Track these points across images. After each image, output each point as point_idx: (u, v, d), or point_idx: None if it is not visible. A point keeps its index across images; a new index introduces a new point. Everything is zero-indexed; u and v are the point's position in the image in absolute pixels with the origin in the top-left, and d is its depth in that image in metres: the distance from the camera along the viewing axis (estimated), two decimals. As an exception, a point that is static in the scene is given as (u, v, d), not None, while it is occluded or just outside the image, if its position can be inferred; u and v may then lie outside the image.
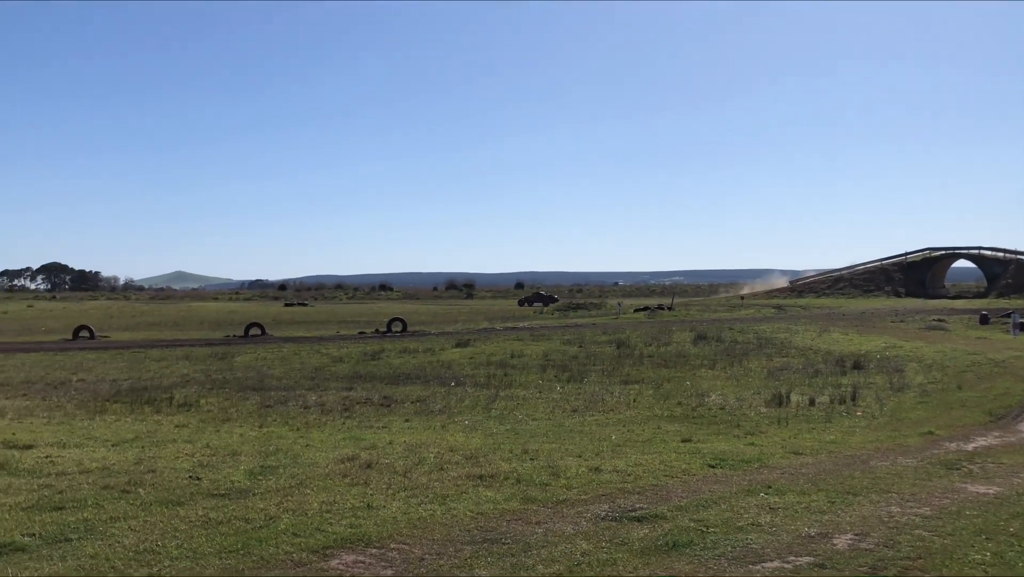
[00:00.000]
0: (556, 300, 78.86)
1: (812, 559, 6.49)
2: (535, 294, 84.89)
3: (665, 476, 9.75)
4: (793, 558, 6.52)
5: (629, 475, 9.74)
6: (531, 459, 10.71)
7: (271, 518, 7.84)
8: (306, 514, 7.98)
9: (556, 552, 6.75)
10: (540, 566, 6.40)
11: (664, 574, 6.21)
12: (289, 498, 8.62)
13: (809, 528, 7.37)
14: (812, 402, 16.35)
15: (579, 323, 44.49)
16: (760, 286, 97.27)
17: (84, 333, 38.23)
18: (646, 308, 58.45)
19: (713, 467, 10.36)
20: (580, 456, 10.99)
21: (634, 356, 25.27)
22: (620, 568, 6.36)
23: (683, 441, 12.46)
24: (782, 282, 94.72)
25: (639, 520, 7.69)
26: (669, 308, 58.36)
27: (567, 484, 9.24)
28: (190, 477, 9.66)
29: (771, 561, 6.46)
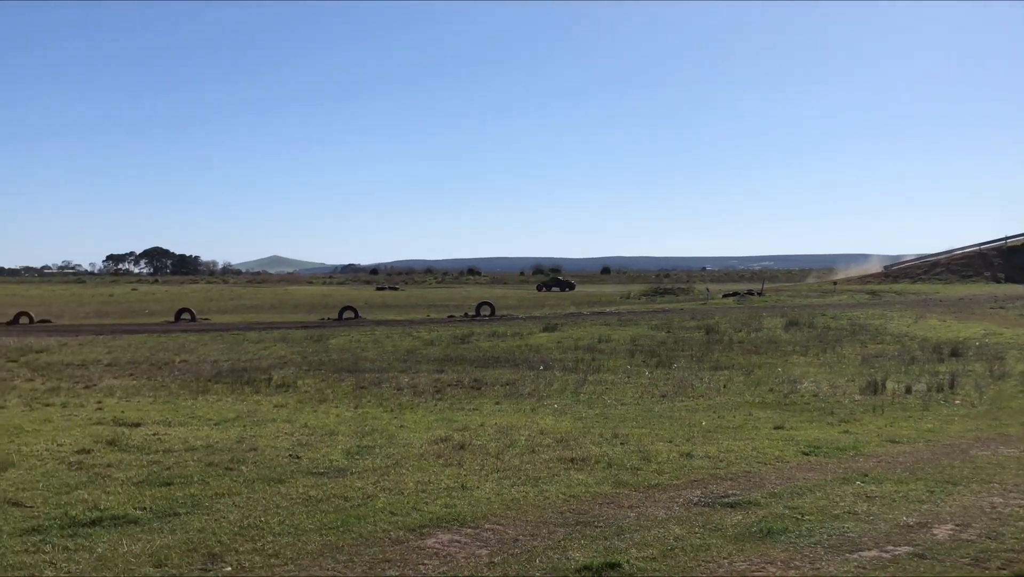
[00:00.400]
0: (574, 286, 79.78)
1: (912, 549, 6.39)
2: (553, 279, 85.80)
3: (758, 463, 9.68)
4: (892, 548, 6.44)
5: (721, 461, 9.70)
6: (621, 443, 10.75)
7: (368, 497, 8.06)
8: (402, 493, 8.17)
9: (649, 536, 6.79)
10: (633, 550, 6.45)
11: (759, 560, 6.20)
12: (385, 477, 8.84)
13: (908, 517, 7.25)
14: (908, 390, 15.97)
15: (666, 308, 44.18)
16: (853, 271, 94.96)
17: (185, 316, 39.57)
18: (735, 293, 57.70)
19: (807, 454, 10.23)
20: (671, 441, 10.98)
21: (723, 342, 25.01)
22: (714, 553, 6.37)
23: (775, 428, 12.32)
24: (876, 267, 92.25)
25: (732, 506, 7.67)
26: (759, 293, 57.49)
27: (658, 469, 9.26)
28: (290, 456, 9.97)
29: (869, 550, 6.39)
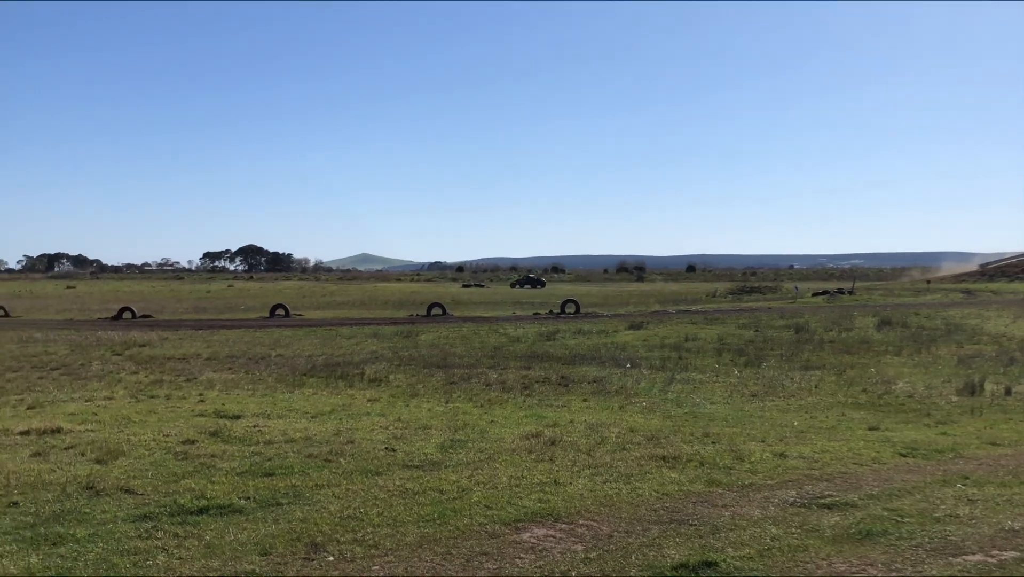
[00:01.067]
0: (544, 284, 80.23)
1: (1018, 554, 6.26)
2: (525, 277, 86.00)
3: (854, 464, 9.55)
4: (997, 552, 6.31)
5: (816, 462, 9.60)
6: (713, 442, 10.71)
7: (463, 490, 8.20)
8: (496, 488, 8.29)
9: (745, 535, 6.77)
10: (730, 549, 6.45)
11: (859, 562, 6.14)
12: (479, 471, 8.98)
13: (1013, 522, 7.09)
14: (1008, 392, 15.51)
15: (754, 307, 43.59)
16: (946, 270, 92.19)
17: (280, 312, 40.53)
18: (825, 292, 56.60)
19: (904, 456, 10.05)
20: (763, 441, 10.89)
21: (814, 341, 24.60)
22: (812, 554, 6.33)
23: (870, 429, 12.12)
24: (971, 266, 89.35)
25: (829, 507, 7.60)
26: (849, 292, 56.32)
27: (752, 468, 9.21)
28: (386, 449, 10.19)
29: (972, 554, 6.28)
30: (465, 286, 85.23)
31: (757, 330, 28.00)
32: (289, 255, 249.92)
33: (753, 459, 9.65)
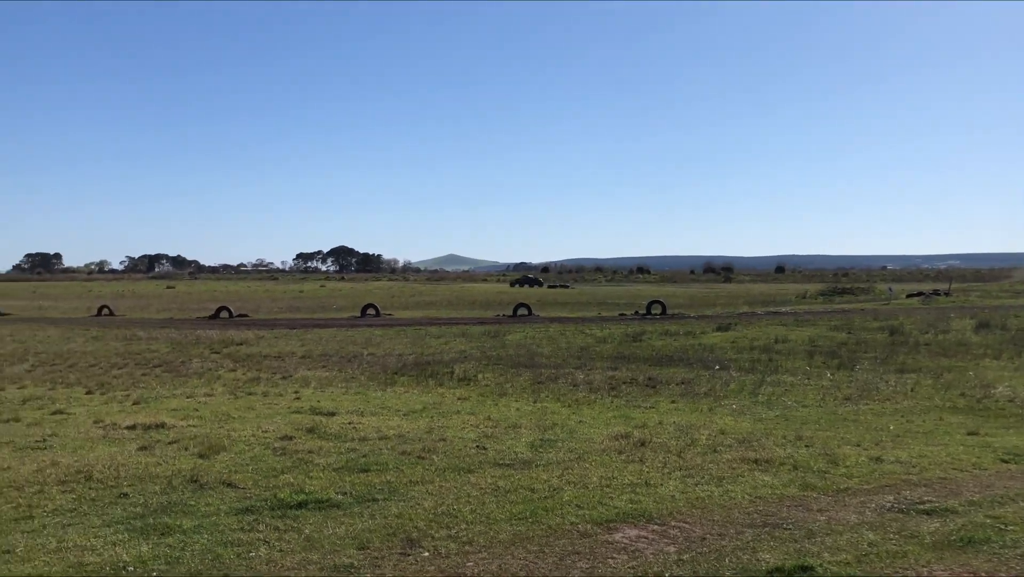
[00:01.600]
0: (542, 283, 78.96)
1: None
2: (523, 277, 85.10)
3: (953, 469, 9.32)
4: (1108, 564, 6.11)
5: (913, 467, 9.39)
6: (806, 446, 10.55)
7: (555, 489, 8.26)
8: (587, 487, 8.33)
9: (841, 541, 6.69)
10: (826, 554, 6.37)
11: (960, 570, 6.02)
12: (569, 471, 9.04)
13: None
14: (1123, 398, 14.90)
15: (846, 308, 42.65)
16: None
17: (370, 311, 41.28)
18: (920, 293, 55.08)
19: (1006, 462, 9.76)
20: (858, 445, 10.69)
21: (909, 344, 23.98)
22: (911, 561, 6.22)
23: (969, 434, 11.79)
24: None
25: (928, 513, 7.45)
26: (946, 293, 54.69)
27: (847, 473, 9.06)
28: (477, 447, 10.33)
29: (1081, 565, 6.09)
30: (551, 287, 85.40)
31: (850, 332, 27.42)
32: (379, 256, 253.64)
33: (848, 463, 9.49)
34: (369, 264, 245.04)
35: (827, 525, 7.13)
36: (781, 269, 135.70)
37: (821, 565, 6.10)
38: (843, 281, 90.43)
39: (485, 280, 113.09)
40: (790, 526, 7.11)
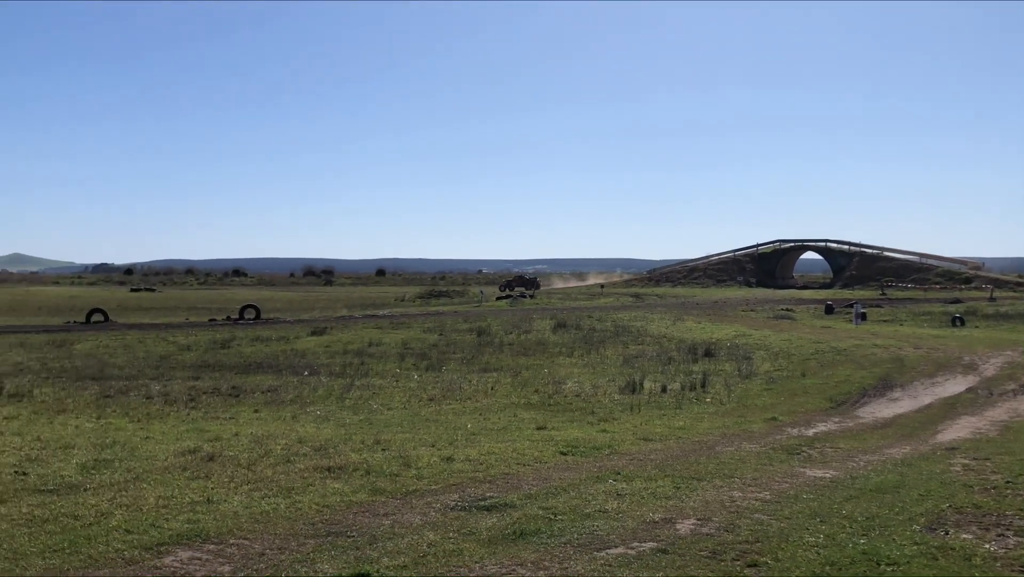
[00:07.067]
0: (539, 285, 76.14)
1: (655, 544, 6.55)
2: (518, 278, 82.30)
3: (517, 464, 9.74)
4: (637, 544, 6.58)
5: (481, 464, 9.68)
6: (383, 449, 10.53)
7: (103, 514, 7.44)
8: (141, 510, 7.60)
9: (402, 544, 6.61)
10: (385, 558, 6.25)
11: (510, 562, 6.16)
12: (123, 493, 8.20)
13: (654, 514, 7.46)
14: (664, 389, 16.69)
15: (441, 311, 44.26)
16: (618, 276, 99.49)
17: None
18: (508, 296, 58.80)
19: (565, 454, 10.41)
20: (433, 445, 10.87)
21: (494, 344, 25.25)
22: (466, 558, 6.28)
23: (538, 429, 12.51)
24: (617, 275, 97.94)
25: (488, 509, 7.63)
26: (531, 296, 58.89)
27: (418, 474, 9.11)
28: (16, 472, 9.07)
29: (615, 548, 6.50)
30: (134, 290, 79.56)
31: (441, 334, 28.35)
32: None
33: (420, 464, 9.57)
34: None
35: (391, 529, 7.04)
36: (382, 272, 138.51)
37: (379, 571, 5.97)
38: (440, 284, 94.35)
39: (56, 282, 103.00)
40: (354, 533, 6.93)
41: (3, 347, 24.27)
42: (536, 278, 79.10)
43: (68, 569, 6.09)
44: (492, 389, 16.88)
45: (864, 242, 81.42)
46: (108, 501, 7.89)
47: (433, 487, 8.58)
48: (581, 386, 17.20)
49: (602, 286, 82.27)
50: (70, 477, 8.90)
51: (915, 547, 6.46)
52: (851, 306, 37.43)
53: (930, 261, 75.71)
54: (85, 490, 8.35)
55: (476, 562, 6.20)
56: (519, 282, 74.18)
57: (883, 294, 56.39)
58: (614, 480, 8.82)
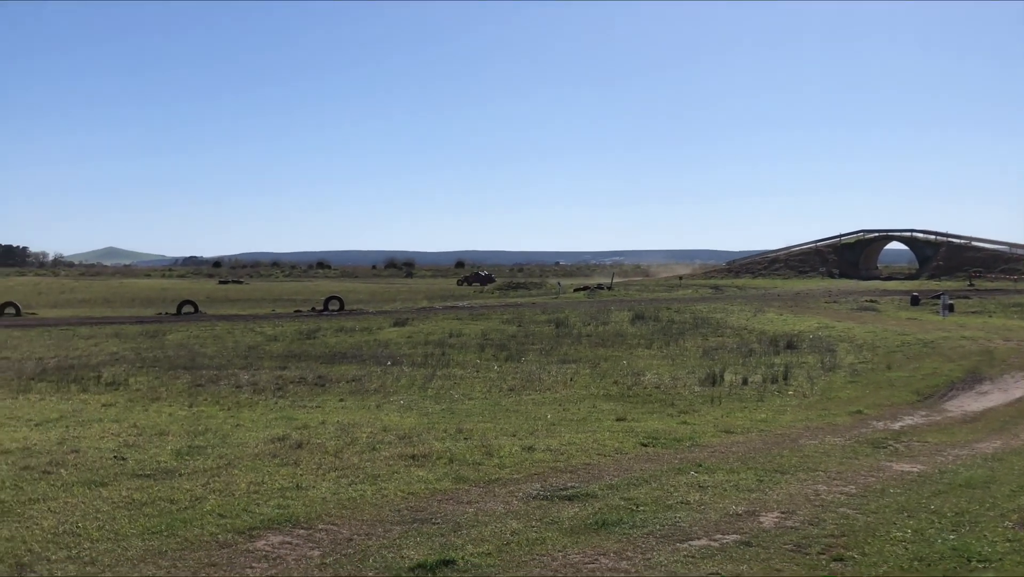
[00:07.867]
0: (494, 279, 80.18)
1: (738, 537, 6.54)
2: (474, 274, 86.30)
3: (598, 455, 9.78)
4: (720, 536, 6.57)
5: (562, 454, 9.75)
6: (465, 439, 10.67)
7: (197, 499, 7.70)
8: (233, 495, 7.85)
9: (486, 531, 6.72)
10: (469, 546, 6.37)
11: (592, 552, 6.22)
12: (216, 479, 8.48)
13: (737, 506, 7.44)
14: (745, 381, 16.55)
15: (519, 302, 44.48)
16: (699, 267, 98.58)
17: (10, 310, 37.26)
18: (585, 288, 58.73)
19: (645, 445, 10.40)
20: (514, 435, 10.98)
21: (572, 335, 25.32)
22: (549, 546, 6.36)
23: (617, 420, 12.52)
24: (687, 267, 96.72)
25: (570, 499, 7.70)
26: (608, 287, 58.74)
27: (500, 463, 9.22)
28: (115, 457, 9.45)
29: (698, 539, 6.51)
30: (222, 282, 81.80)
31: (520, 325, 28.52)
32: (24, 248, 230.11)
33: (502, 454, 9.67)
34: (12, 257, 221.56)
35: (474, 517, 7.15)
36: (461, 264, 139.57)
37: (463, 558, 6.08)
38: (518, 276, 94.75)
39: (148, 275, 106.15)
40: (439, 520, 7.06)
41: (100, 338, 25.26)
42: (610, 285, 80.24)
43: (166, 551, 6.32)
44: (571, 380, 16.93)
45: (951, 232, 79.14)
46: (202, 486, 8.17)
47: (515, 476, 8.68)
48: (660, 378, 17.14)
49: (680, 278, 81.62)
50: (165, 462, 9.23)
51: (1007, 544, 6.33)
52: (937, 297, 36.40)
53: (1021, 251, 73.15)
54: (180, 475, 8.66)
55: (559, 551, 6.27)
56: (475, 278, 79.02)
57: (971, 285, 54.79)
58: (696, 472, 8.80)
